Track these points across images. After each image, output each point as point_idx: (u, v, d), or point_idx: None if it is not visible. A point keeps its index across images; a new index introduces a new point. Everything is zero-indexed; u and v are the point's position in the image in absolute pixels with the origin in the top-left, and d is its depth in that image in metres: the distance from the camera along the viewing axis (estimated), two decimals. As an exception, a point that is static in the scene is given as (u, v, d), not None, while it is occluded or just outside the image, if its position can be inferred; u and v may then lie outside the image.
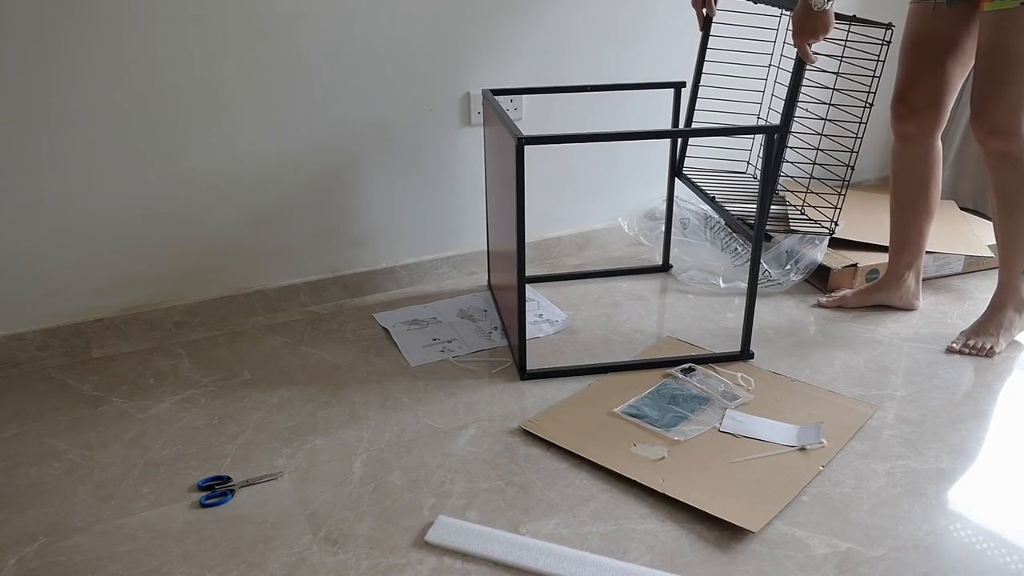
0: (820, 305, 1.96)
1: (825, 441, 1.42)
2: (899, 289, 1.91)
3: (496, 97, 1.92)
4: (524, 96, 2.07)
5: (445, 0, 1.89)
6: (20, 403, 1.62)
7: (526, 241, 2.22)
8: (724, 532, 1.23)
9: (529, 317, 1.91)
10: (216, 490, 1.34)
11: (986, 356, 1.72)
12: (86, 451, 1.46)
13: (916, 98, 1.71)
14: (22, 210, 1.67)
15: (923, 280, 1.96)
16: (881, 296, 1.93)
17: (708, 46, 1.95)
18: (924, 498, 1.30)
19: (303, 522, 1.27)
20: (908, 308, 1.92)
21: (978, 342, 1.73)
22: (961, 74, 1.69)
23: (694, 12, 1.96)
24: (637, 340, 1.82)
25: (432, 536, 1.22)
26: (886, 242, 2.08)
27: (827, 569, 1.16)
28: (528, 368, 1.68)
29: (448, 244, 2.14)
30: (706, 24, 1.91)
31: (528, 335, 1.83)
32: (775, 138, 1.52)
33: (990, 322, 1.75)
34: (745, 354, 1.72)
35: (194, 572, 1.18)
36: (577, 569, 1.16)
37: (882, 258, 2.03)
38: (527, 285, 2.07)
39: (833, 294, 1.98)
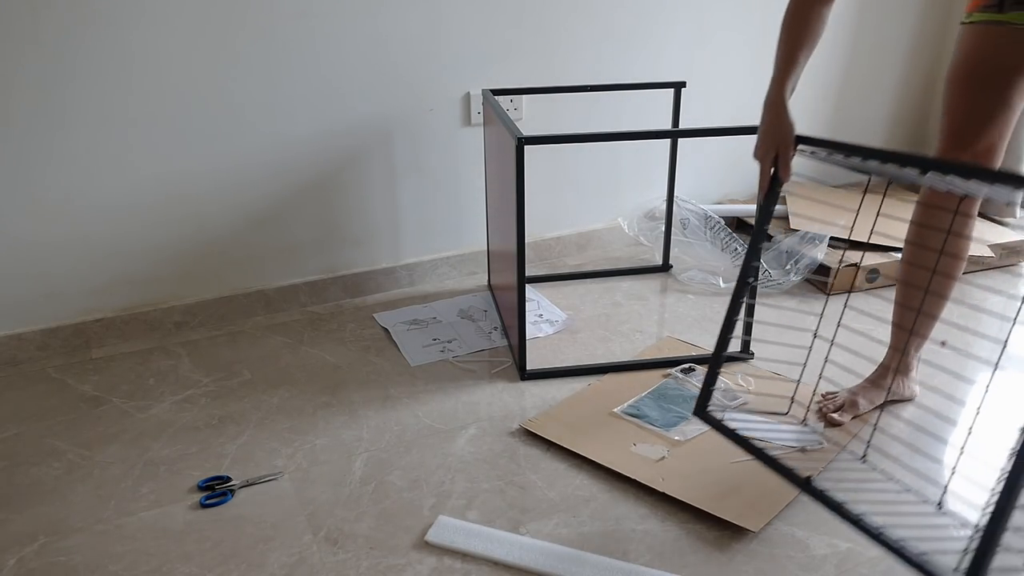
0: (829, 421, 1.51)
1: (825, 441, 1.42)
2: (905, 382, 1.57)
3: (496, 97, 1.92)
4: (524, 96, 2.07)
5: (445, 0, 1.89)
6: (20, 403, 1.62)
7: (526, 241, 2.22)
8: (724, 532, 1.23)
9: (529, 317, 1.91)
10: (216, 490, 1.34)
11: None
12: (86, 451, 1.46)
13: (977, 144, 1.33)
14: (22, 210, 1.68)
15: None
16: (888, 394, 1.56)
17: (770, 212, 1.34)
18: (923, 498, 1.30)
19: (303, 522, 1.27)
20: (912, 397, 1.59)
21: None
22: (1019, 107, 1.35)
23: (759, 169, 1.36)
24: (637, 340, 1.82)
25: (432, 536, 1.22)
26: (886, 242, 2.08)
27: (827, 569, 1.16)
28: (528, 368, 1.68)
29: (448, 244, 2.14)
30: (770, 193, 1.34)
31: (528, 335, 1.83)
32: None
33: None
34: (745, 354, 1.72)
35: (194, 572, 1.18)
36: (577, 569, 1.16)
37: (883, 258, 2.03)
38: (527, 285, 2.07)
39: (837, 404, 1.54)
